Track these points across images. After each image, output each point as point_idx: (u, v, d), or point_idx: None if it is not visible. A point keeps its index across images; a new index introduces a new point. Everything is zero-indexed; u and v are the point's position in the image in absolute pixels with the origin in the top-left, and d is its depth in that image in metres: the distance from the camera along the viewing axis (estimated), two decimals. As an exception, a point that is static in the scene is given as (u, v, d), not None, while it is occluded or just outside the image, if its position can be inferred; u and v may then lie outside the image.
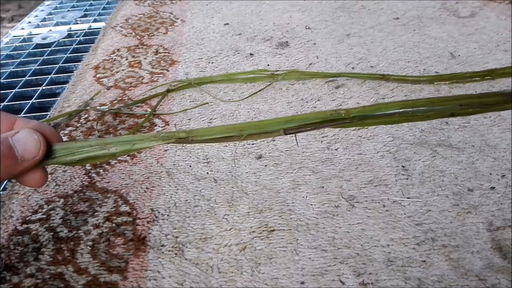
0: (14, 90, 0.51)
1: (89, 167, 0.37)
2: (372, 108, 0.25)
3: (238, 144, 0.39)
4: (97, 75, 0.52)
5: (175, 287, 0.27)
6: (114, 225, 0.31)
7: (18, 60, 0.58)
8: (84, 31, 0.66)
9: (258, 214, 0.31)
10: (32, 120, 0.25)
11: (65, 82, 0.51)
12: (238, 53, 0.56)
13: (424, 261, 0.28)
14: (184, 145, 0.39)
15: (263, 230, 0.30)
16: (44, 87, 0.51)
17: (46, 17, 0.73)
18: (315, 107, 0.44)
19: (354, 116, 0.25)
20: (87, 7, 0.76)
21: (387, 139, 0.39)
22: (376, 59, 0.52)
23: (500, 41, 0.55)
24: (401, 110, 0.25)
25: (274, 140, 0.39)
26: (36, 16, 0.74)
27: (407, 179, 0.34)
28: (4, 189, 0.36)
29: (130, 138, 0.25)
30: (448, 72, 0.49)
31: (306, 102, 0.45)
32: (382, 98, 0.45)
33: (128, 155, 0.38)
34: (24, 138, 0.23)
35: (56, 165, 0.37)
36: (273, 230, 0.30)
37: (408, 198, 0.32)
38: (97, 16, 0.72)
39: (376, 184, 0.34)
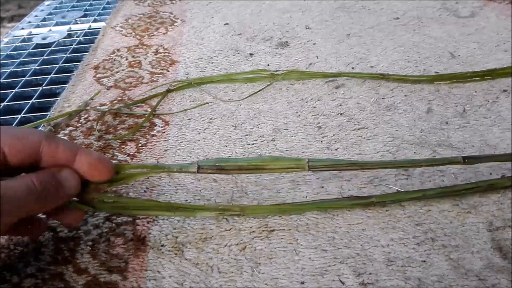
0: (14, 90, 0.51)
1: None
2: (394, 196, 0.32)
3: (238, 144, 0.39)
4: (97, 75, 0.52)
5: (175, 287, 0.27)
6: (114, 225, 0.31)
7: (18, 60, 0.58)
8: (84, 31, 0.66)
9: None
10: (93, 153, 0.28)
11: (65, 82, 0.51)
12: (238, 53, 0.56)
13: (424, 261, 0.28)
14: (183, 145, 0.39)
15: (263, 230, 0.30)
16: (44, 87, 0.51)
17: (46, 17, 0.73)
18: (315, 107, 0.44)
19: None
20: (87, 7, 0.76)
21: (387, 139, 0.39)
22: (376, 59, 0.52)
23: (500, 41, 0.55)
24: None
25: (274, 140, 0.39)
26: (36, 16, 0.74)
27: (407, 179, 0.34)
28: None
29: (194, 206, 0.31)
30: (448, 72, 0.49)
31: (306, 102, 0.45)
32: (382, 98, 0.45)
33: (128, 155, 0.38)
34: (69, 176, 0.27)
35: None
36: (273, 230, 0.30)
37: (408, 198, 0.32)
38: (97, 16, 0.72)
39: (376, 184, 0.34)
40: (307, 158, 0.31)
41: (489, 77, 0.47)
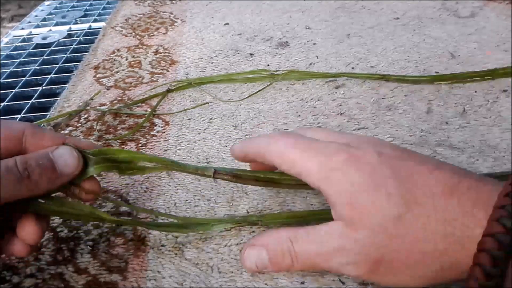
0: (14, 90, 0.51)
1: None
2: None
3: (238, 144, 0.39)
4: (97, 75, 0.52)
5: (175, 287, 0.27)
6: (114, 225, 0.31)
7: (18, 60, 0.58)
8: (84, 31, 0.66)
9: (258, 214, 0.31)
10: (82, 141, 0.27)
11: (65, 82, 0.51)
12: (238, 53, 0.56)
13: (424, 261, 0.28)
14: (183, 145, 0.39)
15: (263, 230, 0.30)
16: (44, 87, 0.51)
17: (46, 17, 0.73)
18: (315, 107, 0.44)
19: None
20: (87, 7, 0.76)
21: (387, 139, 0.39)
22: (376, 59, 0.52)
23: (500, 41, 0.55)
24: None
25: (274, 140, 0.39)
26: (36, 16, 0.74)
27: (407, 179, 0.34)
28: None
29: (209, 220, 0.30)
30: (448, 72, 0.49)
31: (306, 102, 0.45)
32: (382, 98, 0.45)
33: (128, 155, 0.38)
34: (65, 154, 0.25)
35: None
36: (273, 230, 0.30)
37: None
38: (97, 16, 0.72)
39: (376, 184, 0.34)
40: None
41: (489, 77, 0.47)
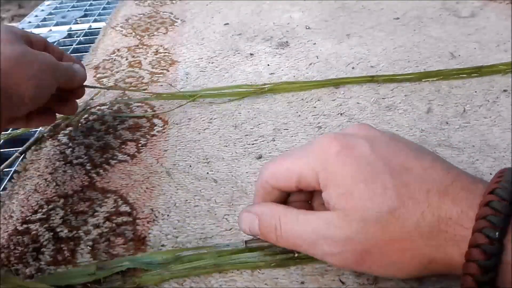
0: (14, 90, 0.50)
1: (89, 167, 0.37)
2: None
3: (238, 144, 0.39)
4: (97, 75, 0.52)
5: (175, 287, 0.27)
6: (114, 225, 0.31)
7: (18, 60, 0.58)
8: (84, 31, 0.66)
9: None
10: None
11: (65, 82, 0.51)
12: (238, 53, 0.56)
13: (424, 261, 0.27)
14: (183, 145, 0.39)
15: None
16: (44, 87, 0.51)
17: (46, 17, 0.73)
18: (315, 107, 0.44)
19: None
20: (87, 7, 0.76)
21: (387, 139, 0.39)
22: (376, 59, 0.52)
23: (500, 41, 0.55)
24: None
25: (274, 140, 0.39)
26: (36, 16, 0.74)
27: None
28: (4, 189, 0.36)
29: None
30: (448, 72, 0.48)
31: (306, 102, 0.45)
32: (382, 98, 0.45)
33: (128, 155, 0.38)
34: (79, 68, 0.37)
35: (55, 165, 0.37)
36: (273, 230, 0.30)
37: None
38: (97, 16, 0.72)
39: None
40: None
41: (476, 74, 0.47)
